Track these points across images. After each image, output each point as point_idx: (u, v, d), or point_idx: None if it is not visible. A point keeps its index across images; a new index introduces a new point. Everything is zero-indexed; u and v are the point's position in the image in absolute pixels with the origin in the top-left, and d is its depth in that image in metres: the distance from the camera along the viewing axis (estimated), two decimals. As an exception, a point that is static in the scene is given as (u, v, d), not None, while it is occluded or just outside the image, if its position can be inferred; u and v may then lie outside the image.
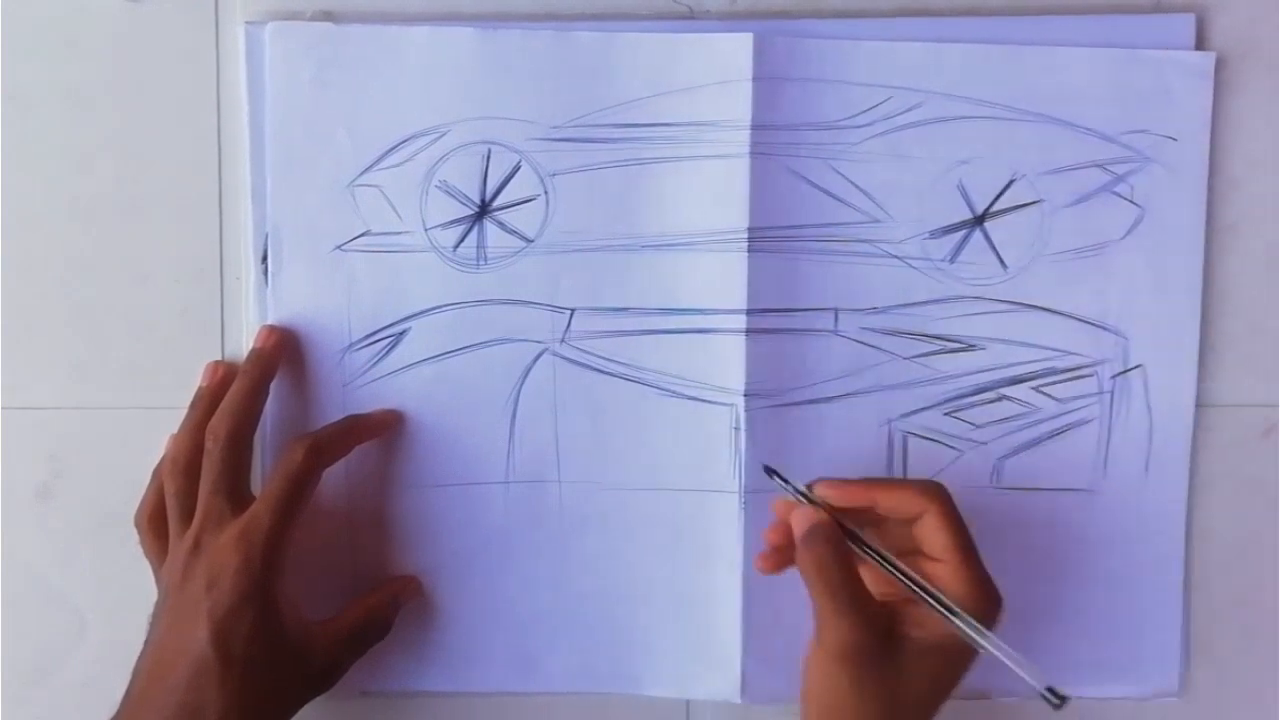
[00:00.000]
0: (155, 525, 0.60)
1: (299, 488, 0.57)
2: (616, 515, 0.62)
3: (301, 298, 0.61)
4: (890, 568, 0.53)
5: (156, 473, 0.61)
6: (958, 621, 0.51)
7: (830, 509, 0.55)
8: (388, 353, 0.61)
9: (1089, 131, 0.61)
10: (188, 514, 0.58)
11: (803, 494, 0.56)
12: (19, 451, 0.63)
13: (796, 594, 0.62)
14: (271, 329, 0.61)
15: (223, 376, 0.61)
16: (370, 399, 0.61)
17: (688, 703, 0.64)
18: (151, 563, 0.60)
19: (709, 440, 0.62)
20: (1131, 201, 0.61)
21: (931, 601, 0.52)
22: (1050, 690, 0.49)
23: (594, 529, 0.61)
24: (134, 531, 0.60)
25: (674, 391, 0.62)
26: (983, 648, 0.51)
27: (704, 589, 0.62)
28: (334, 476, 0.61)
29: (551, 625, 0.62)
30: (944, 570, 0.53)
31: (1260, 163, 0.62)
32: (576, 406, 0.61)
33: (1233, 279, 0.62)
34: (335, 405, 0.62)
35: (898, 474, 0.62)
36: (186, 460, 0.59)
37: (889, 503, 0.54)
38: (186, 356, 0.62)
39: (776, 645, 0.62)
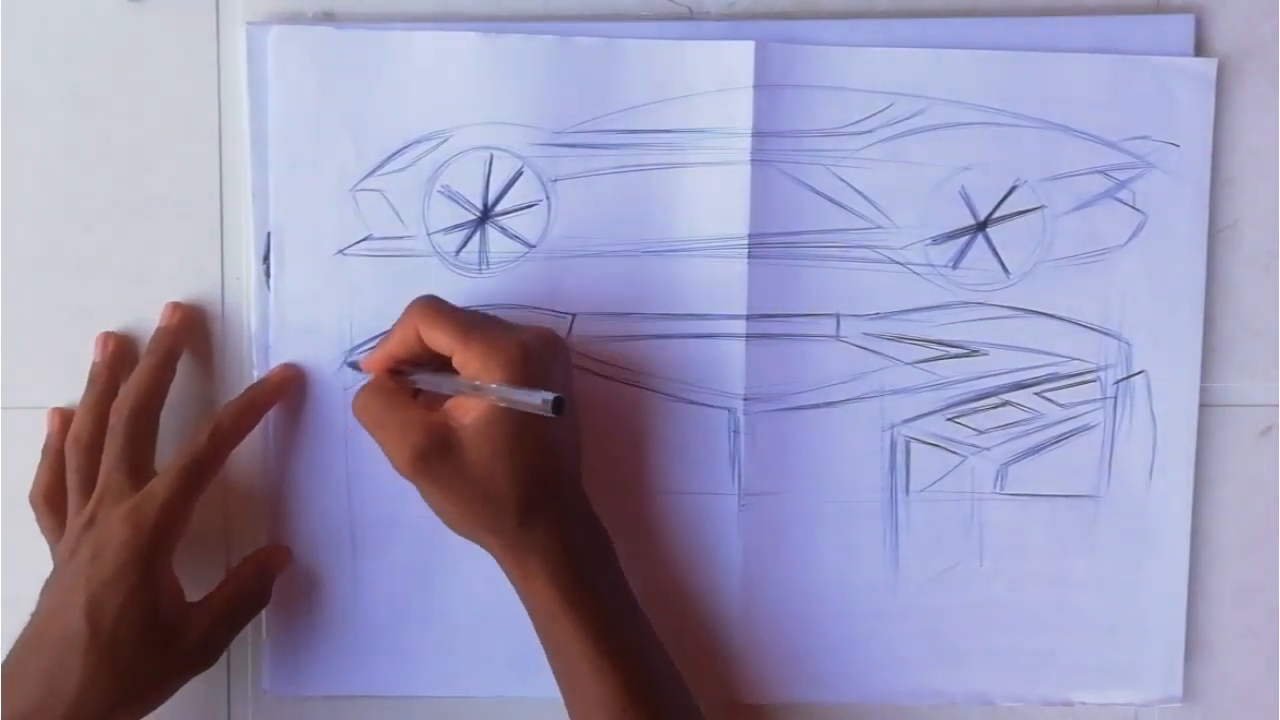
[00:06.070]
0: (51, 503, 0.60)
1: (199, 470, 0.58)
2: (616, 517, 0.62)
3: (302, 301, 0.61)
4: (416, 380, 0.57)
5: (46, 450, 0.61)
6: (464, 387, 0.54)
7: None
8: (388, 357, 0.61)
9: (1091, 137, 0.60)
10: (88, 490, 0.58)
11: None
12: (19, 451, 0.62)
13: (796, 594, 0.62)
14: (176, 305, 0.61)
15: (114, 350, 0.61)
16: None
17: (687, 704, 0.64)
18: (48, 540, 0.60)
19: (708, 443, 0.62)
20: (1133, 207, 0.61)
21: (440, 386, 0.56)
22: (545, 400, 0.52)
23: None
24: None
25: (674, 395, 0.62)
26: (490, 395, 0.53)
27: (703, 590, 0.62)
28: (337, 483, 0.62)
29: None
30: (458, 358, 0.55)
31: (1260, 164, 0.62)
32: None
33: (1232, 280, 0.62)
34: (335, 410, 0.61)
35: (900, 480, 0.62)
36: (89, 437, 0.59)
37: (401, 350, 0.56)
38: (187, 357, 0.62)
39: (776, 644, 0.62)
